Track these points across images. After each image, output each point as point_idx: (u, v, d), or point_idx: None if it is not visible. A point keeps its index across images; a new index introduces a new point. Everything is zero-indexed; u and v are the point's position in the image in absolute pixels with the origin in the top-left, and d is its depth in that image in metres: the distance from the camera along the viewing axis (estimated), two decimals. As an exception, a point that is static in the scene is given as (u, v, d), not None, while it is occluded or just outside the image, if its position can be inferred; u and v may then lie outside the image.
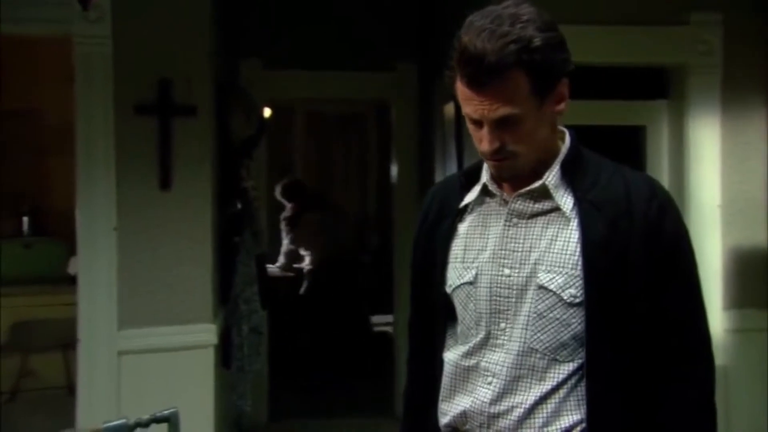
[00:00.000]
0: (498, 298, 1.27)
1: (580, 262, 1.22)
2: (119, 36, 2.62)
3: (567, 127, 1.33)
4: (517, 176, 1.26)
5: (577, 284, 1.22)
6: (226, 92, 3.16)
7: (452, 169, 3.50)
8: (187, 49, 2.70)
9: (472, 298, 1.30)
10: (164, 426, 1.43)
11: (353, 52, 4.10)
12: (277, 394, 4.32)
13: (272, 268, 5.21)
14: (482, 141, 1.23)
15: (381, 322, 5.47)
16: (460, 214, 1.35)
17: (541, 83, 1.19)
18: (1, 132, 4.97)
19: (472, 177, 1.35)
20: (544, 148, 1.25)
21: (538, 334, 1.24)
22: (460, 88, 1.22)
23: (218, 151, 2.93)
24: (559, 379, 1.24)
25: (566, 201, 1.25)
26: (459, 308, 1.34)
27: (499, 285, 1.27)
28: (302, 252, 5.49)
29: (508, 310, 1.26)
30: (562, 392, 1.24)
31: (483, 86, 1.17)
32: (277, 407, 4.30)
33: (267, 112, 4.62)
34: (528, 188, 1.26)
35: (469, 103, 1.21)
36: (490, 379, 1.27)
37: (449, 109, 3.53)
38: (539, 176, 1.26)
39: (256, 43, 4.00)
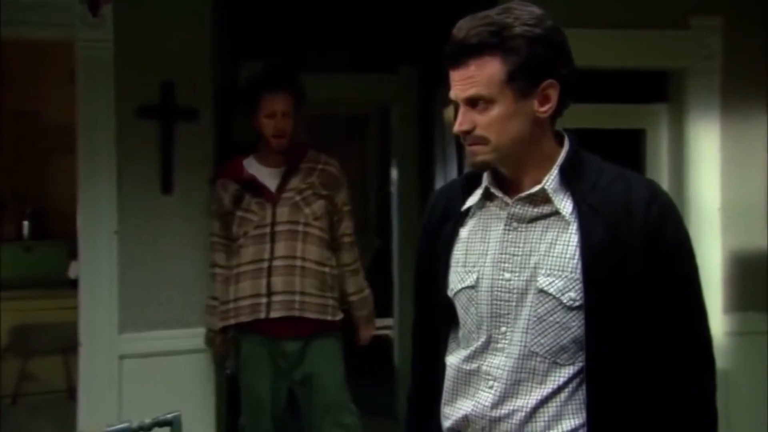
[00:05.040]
0: (498, 302, 1.28)
1: (579, 266, 1.22)
2: (121, 39, 2.62)
3: (567, 130, 1.34)
4: (489, 169, 1.29)
5: (576, 288, 1.22)
6: (227, 95, 3.17)
7: (452, 172, 3.51)
8: (188, 52, 2.71)
9: (473, 302, 1.31)
10: (166, 429, 1.43)
11: (354, 54, 4.10)
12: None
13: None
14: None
15: (381, 325, 5.47)
16: (462, 217, 1.36)
17: (518, 74, 1.21)
18: (3, 134, 4.98)
19: (475, 181, 1.35)
20: (521, 142, 1.25)
21: (539, 338, 1.25)
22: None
23: (219, 154, 2.94)
24: (560, 383, 1.25)
25: (565, 205, 1.26)
26: (461, 312, 1.34)
27: (499, 289, 1.28)
28: None
29: (508, 314, 1.27)
30: (563, 396, 1.25)
31: (458, 64, 1.24)
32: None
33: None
34: (527, 192, 1.27)
35: (451, 84, 1.26)
36: (491, 383, 1.28)
37: (449, 112, 3.53)
38: (538, 181, 1.27)
39: (256, 46, 4.01)
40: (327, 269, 2.63)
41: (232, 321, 2.60)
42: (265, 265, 2.55)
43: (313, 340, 2.61)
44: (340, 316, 2.66)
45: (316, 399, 2.65)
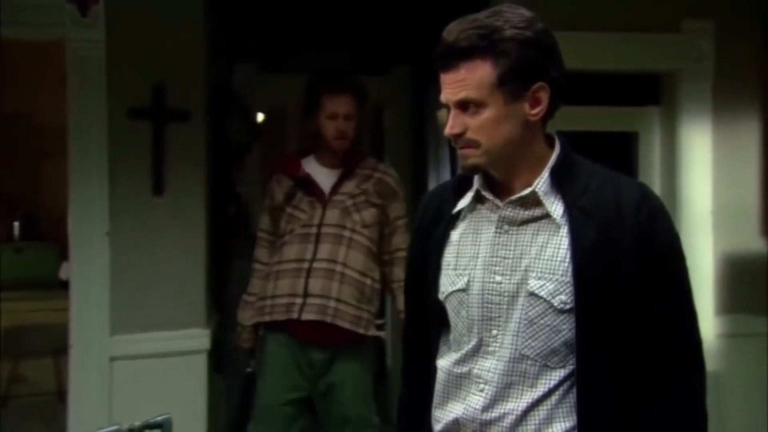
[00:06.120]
0: (489, 305, 1.27)
1: (570, 269, 1.22)
2: (113, 40, 2.61)
3: (559, 133, 1.34)
4: (481, 172, 1.29)
5: (567, 291, 1.22)
6: (220, 97, 3.16)
7: (445, 174, 3.50)
8: (180, 54, 2.70)
9: (464, 305, 1.31)
10: (156, 432, 1.42)
11: (347, 55, 4.10)
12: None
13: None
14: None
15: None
16: (453, 220, 1.36)
17: (508, 77, 1.21)
18: (-6, 136, 4.95)
19: (466, 183, 1.35)
20: (512, 145, 1.25)
21: (529, 341, 1.25)
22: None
23: (211, 155, 2.93)
24: (551, 386, 1.25)
25: (556, 208, 1.26)
26: (452, 315, 1.34)
27: (490, 292, 1.27)
28: None
29: (499, 317, 1.27)
30: (553, 399, 1.25)
31: (448, 67, 1.24)
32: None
33: (260, 117, 4.61)
34: (518, 195, 1.27)
35: (442, 87, 1.26)
36: (482, 386, 1.28)
37: (442, 114, 3.53)
38: (529, 183, 1.27)
39: (250, 47, 4.00)
40: (368, 281, 2.55)
41: (267, 318, 2.54)
42: (306, 265, 2.50)
43: (341, 351, 2.53)
44: (372, 331, 2.57)
45: (335, 410, 2.56)
